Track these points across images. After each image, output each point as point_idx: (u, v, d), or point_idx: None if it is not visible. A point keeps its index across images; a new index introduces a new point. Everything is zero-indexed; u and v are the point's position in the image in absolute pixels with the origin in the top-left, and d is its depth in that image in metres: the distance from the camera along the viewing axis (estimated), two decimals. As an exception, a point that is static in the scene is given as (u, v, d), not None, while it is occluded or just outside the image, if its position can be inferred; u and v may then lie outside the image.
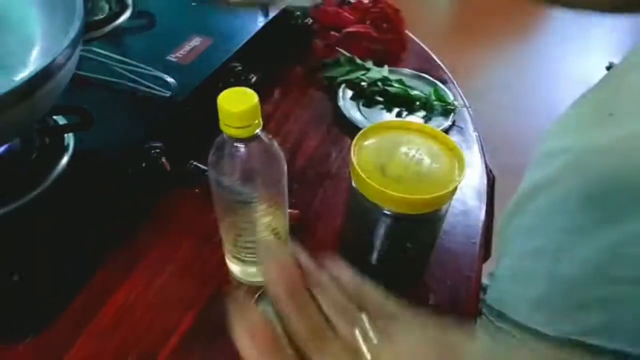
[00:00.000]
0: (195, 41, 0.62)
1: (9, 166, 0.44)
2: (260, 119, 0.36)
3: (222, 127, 0.36)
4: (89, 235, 0.47)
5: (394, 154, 0.44)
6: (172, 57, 0.59)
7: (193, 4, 0.70)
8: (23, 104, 0.34)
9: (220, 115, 0.35)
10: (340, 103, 0.67)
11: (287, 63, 0.74)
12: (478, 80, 2.07)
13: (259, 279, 0.46)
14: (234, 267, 0.46)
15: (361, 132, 0.45)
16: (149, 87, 0.52)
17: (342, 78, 0.70)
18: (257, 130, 0.36)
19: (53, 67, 0.35)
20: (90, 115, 0.45)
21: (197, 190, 0.55)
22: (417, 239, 0.46)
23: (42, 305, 0.43)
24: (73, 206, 0.45)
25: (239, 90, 0.36)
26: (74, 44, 0.37)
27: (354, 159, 0.43)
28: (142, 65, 0.53)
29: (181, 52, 0.60)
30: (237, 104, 0.35)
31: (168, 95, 0.52)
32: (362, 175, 0.42)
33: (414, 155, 0.44)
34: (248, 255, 0.44)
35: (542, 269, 0.42)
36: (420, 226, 0.45)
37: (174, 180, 0.53)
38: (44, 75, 0.34)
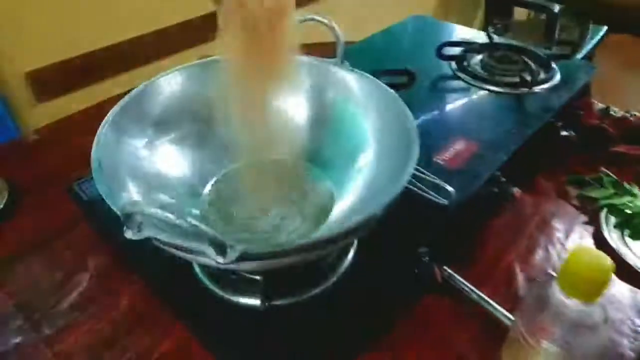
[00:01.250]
0: (460, 144, 0.63)
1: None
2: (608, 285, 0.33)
3: (562, 284, 0.34)
4: (352, 328, 0.48)
5: None
6: (438, 159, 0.60)
7: (454, 104, 0.71)
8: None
9: (566, 275, 0.33)
10: (604, 231, 0.61)
11: (538, 173, 0.71)
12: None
13: None
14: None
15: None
16: (427, 192, 0.53)
17: (605, 202, 0.64)
18: (600, 296, 0.33)
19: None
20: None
21: (446, 300, 0.54)
22: None
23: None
24: (349, 299, 0.46)
25: (593, 253, 0.33)
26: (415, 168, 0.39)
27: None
28: (423, 170, 0.55)
29: (447, 154, 0.61)
30: (591, 270, 0.32)
31: (445, 203, 0.52)
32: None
33: None
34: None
35: None
36: None
37: (428, 285, 0.52)
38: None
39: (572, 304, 0.34)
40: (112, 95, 0.90)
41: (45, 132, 0.81)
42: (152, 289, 0.51)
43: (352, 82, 0.49)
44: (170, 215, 0.28)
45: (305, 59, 0.52)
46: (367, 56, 0.81)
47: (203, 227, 0.29)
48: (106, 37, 0.90)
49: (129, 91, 0.94)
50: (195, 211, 0.44)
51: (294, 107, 0.52)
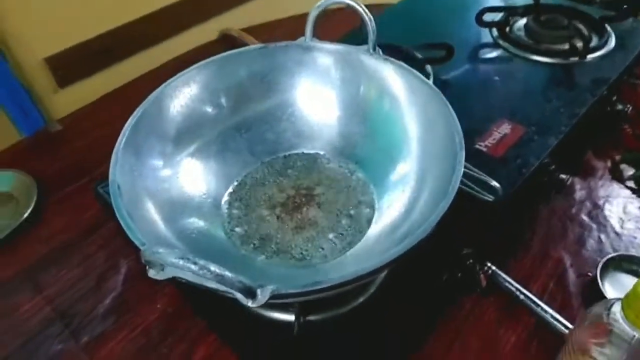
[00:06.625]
0: (505, 127, 0.57)
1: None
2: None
3: (628, 313, 0.30)
4: (392, 339, 0.46)
5: None
6: (480, 146, 0.55)
7: (496, 78, 0.65)
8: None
9: (634, 304, 0.30)
10: (664, 218, 0.56)
11: (588, 151, 0.65)
12: None
13: None
14: None
15: None
16: (471, 187, 0.49)
17: (665, 184, 0.58)
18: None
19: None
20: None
21: (490, 300, 0.51)
22: None
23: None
24: (388, 310, 0.44)
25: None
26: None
27: None
28: (469, 165, 0.50)
29: (490, 139, 0.56)
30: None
31: (490, 199, 0.48)
32: None
33: None
34: None
35: None
36: None
37: (470, 284, 0.49)
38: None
39: (637, 335, 0.31)
40: (136, 76, 0.88)
41: (69, 122, 0.80)
42: (184, 298, 0.49)
43: (387, 74, 0.43)
44: (193, 266, 0.26)
45: (331, 46, 0.48)
46: (399, 25, 0.74)
47: (228, 274, 0.27)
48: (122, 16, 0.86)
49: (151, 72, 0.90)
50: (221, 234, 0.42)
51: (323, 101, 0.47)
